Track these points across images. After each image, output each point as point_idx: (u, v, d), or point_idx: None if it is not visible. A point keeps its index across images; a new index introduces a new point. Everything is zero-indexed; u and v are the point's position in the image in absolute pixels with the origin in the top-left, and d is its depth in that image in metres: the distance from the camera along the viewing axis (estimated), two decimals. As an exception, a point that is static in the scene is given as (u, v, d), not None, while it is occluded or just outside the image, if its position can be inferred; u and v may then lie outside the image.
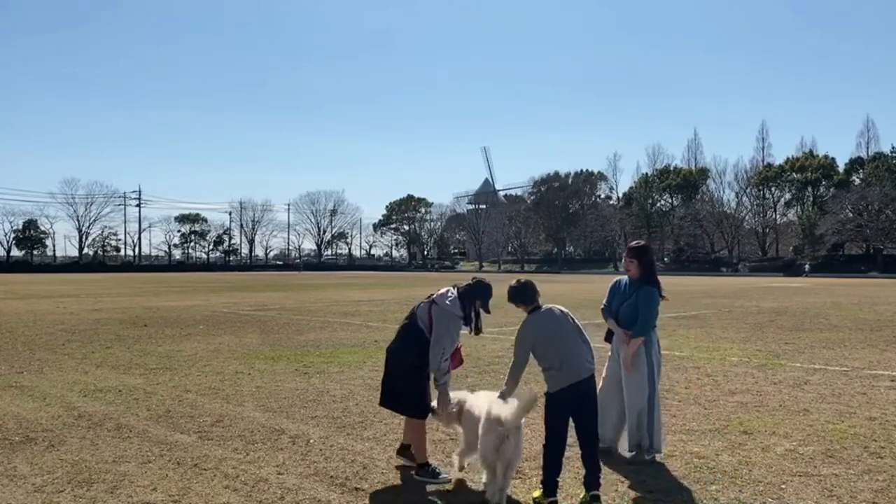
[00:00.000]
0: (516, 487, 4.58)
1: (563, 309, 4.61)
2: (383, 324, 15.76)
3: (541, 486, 4.35)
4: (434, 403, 4.88)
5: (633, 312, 5.20)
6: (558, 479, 4.34)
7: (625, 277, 5.43)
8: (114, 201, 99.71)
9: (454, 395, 4.88)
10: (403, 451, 5.13)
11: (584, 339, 4.51)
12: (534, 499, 4.34)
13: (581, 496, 4.34)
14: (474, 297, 4.91)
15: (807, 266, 66.54)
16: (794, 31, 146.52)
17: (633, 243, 5.44)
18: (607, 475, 4.78)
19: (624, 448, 5.33)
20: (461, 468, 4.81)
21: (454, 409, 4.81)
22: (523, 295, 4.58)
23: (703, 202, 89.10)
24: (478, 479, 4.61)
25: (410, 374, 4.85)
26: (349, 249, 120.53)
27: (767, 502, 4.33)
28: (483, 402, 4.53)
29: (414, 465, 4.92)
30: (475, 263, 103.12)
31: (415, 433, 4.96)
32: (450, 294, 4.89)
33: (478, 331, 4.98)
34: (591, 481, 4.34)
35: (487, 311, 4.95)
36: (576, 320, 4.55)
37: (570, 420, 4.45)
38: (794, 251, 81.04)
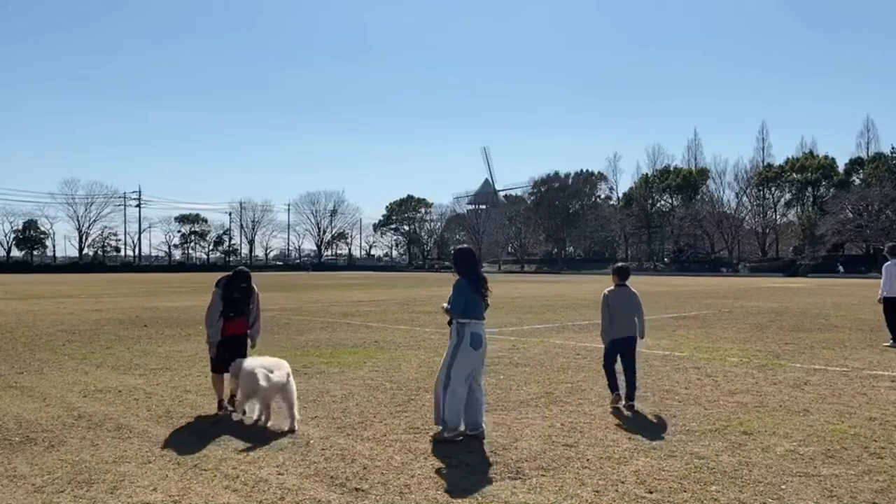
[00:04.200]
0: (516, 488, 4.59)
1: (635, 291, 7.07)
2: (383, 324, 15.76)
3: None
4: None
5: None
6: (615, 385, 6.95)
7: None
8: (114, 201, 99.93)
9: (242, 361, 6.37)
10: (231, 400, 6.79)
11: (638, 316, 6.98)
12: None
13: None
14: (229, 281, 6.86)
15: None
16: (795, 31, 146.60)
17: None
18: (607, 475, 4.80)
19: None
20: (243, 412, 6.45)
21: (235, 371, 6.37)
22: (618, 273, 7.15)
23: (703, 202, 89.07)
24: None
25: None
26: (349, 250, 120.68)
27: (767, 502, 4.33)
28: (259, 362, 6.28)
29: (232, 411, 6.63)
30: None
31: (213, 380, 6.98)
32: (223, 278, 6.91)
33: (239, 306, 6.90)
34: (629, 394, 6.92)
35: (237, 294, 6.79)
36: (638, 302, 7.00)
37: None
38: (794, 251, 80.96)
